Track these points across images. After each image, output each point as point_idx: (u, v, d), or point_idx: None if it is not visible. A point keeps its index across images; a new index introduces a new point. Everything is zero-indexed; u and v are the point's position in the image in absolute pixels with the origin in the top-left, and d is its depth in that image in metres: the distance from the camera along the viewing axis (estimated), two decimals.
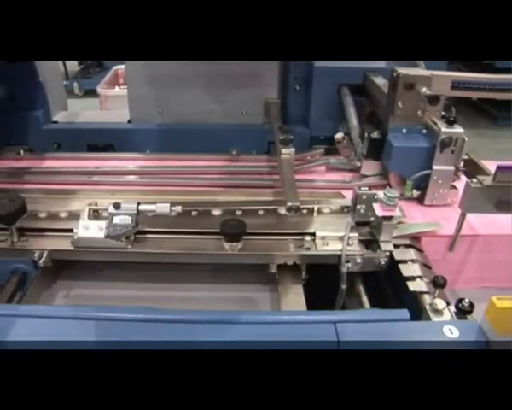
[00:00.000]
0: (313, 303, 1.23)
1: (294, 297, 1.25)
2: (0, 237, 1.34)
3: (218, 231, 1.27)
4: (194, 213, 1.39)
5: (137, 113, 1.94)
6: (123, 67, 3.58)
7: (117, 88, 3.46)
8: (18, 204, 1.30)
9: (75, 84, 4.77)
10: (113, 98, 3.26)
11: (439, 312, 1.06)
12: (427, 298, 1.13)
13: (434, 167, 1.41)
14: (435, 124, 1.41)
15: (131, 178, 1.64)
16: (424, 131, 1.46)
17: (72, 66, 5.08)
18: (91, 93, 4.06)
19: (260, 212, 1.41)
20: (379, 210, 1.26)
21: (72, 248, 1.29)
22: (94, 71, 4.96)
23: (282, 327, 1.00)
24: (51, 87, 2.00)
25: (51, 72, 2.04)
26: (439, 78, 1.40)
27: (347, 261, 1.26)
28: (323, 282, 1.34)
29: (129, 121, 1.96)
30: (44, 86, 1.94)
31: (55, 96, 2.04)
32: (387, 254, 1.27)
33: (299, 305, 1.22)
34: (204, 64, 1.80)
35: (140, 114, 1.94)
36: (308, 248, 1.29)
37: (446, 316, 1.06)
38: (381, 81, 1.64)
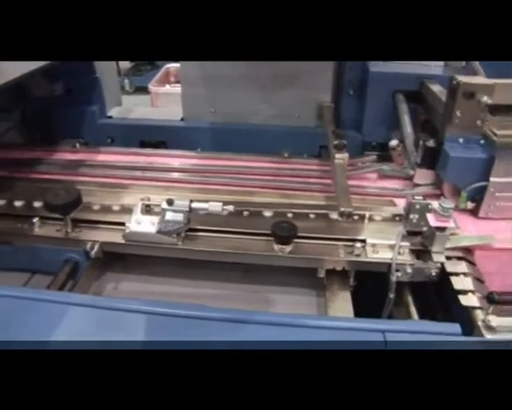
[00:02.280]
0: (358, 310, 1.22)
1: (342, 303, 1.24)
2: (55, 226, 1.38)
3: (268, 232, 1.28)
4: (245, 213, 1.40)
5: (190, 111, 1.97)
6: (174, 65, 3.66)
7: (167, 86, 3.50)
8: (74, 196, 1.33)
9: (126, 81, 4.84)
10: (164, 96, 3.31)
11: (492, 329, 1.03)
12: (479, 314, 1.09)
13: (492, 179, 1.37)
14: (495, 134, 1.37)
15: (183, 175, 1.66)
16: (482, 141, 1.42)
17: (124, 63, 5.16)
18: (141, 90, 4.12)
19: (311, 215, 1.40)
20: (432, 220, 1.23)
21: (123, 241, 1.32)
22: (145, 68, 5.02)
23: (329, 332, 0.99)
24: (107, 83, 2.06)
25: (107, 68, 2.09)
26: (502, 86, 1.36)
27: (397, 270, 1.24)
28: (370, 289, 1.32)
29: (181, 119, 1.99)
30: (101, 82, 1.99)
31: (110, 91, 2.09)
32: (439, 265, 1.24)
33: (347, 311, 1.21)
34: (258, 65, 1.80)
35: (193, 113, 1.96)
36: (358, 255, 1.27)
37: None
38: (437, 88, 1.60)
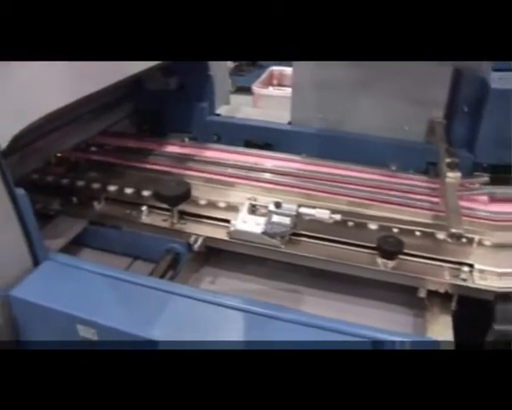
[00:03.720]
0: (456, 337, 1.16)
1: (442, 327, 1.18)
2: (161, 216, 1.44)
3: (371, 245, 1.26)
4: (350, 223, 1.38)
5: (298, 115, 1.98)
6: (278, 68, 3.68)
7: (270, 88, 3.53)
8: (184, 189, 1.38)
9: (228, 81, 4.97)
10: (266, 98, 3.34)
11: None
12: None
13: None
14: None
15: (286, 178, 1.66)
16: None
17: (227, 62, 5.27)
18: (242, 90, 4.18)
19: (417, 233, 1.36)
20: None
21: (227, 238, 1.34)
22: (247, 69, 5.11)
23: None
24: (218, 81, 2.11)
25: (219, 66, 2.15)
26: None
27: None
28: (471, 317, 1.26)
29: (288, 123, 2.00)
30: (213, 80, 2.05)
31: (220, 89, 2.14)
32: None
33: (447, 336, 1.15)
34: (371, 74, 1.78)
35: (301, 117, 1.97)
36: (464, 280, 1.22)
37: None
38: None
